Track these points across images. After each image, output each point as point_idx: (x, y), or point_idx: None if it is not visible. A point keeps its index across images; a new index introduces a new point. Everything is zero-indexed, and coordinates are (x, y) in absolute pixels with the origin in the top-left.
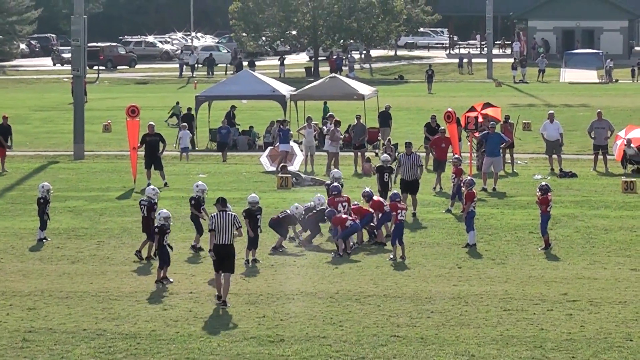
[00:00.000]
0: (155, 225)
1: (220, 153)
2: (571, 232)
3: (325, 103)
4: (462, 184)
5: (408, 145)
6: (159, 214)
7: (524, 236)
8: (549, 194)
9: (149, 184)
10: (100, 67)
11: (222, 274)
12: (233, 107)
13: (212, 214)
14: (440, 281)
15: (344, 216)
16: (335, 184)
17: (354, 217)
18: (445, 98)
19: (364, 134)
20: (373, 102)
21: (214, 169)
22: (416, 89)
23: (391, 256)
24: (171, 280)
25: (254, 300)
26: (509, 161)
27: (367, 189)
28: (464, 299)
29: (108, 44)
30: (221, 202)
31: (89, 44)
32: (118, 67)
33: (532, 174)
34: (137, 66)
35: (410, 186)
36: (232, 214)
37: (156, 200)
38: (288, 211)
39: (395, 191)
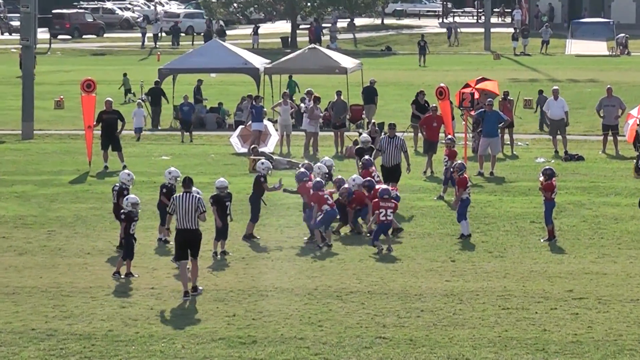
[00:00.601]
0: (122, 211)
1: (185, 132)
2: (578, 222)
3: (290, 77)
4: (451, 170)
5: (391, 127)
6: (127, 199)
7: (525, 226)
8: (554, 179)
9: (105, 167)
10: (66, 37)
11: (190, 261)
12: (200, 81)
13: (174, 196)
14: (432, 276)
15: (325, 197)
16: (319, 178)
17: (333, 204)
18: (438, 72)
19: (345, 112)
20: (357, 76)
21: (178, 150)
22: (405, 62)
23: (381, 246)
24: (135, 274)
25: (222, 297)
26: (508, 142)
27: (368, 178)
28: (458, 296)
29: (75, 10)
30: (187, 183)
31: (54, 11)
32: (84, 36)
33: (534, 157)
34: (92, 35)
35: (391, 173)
36: (196, 196)
37: (130, 186)
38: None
39: (385, 187)
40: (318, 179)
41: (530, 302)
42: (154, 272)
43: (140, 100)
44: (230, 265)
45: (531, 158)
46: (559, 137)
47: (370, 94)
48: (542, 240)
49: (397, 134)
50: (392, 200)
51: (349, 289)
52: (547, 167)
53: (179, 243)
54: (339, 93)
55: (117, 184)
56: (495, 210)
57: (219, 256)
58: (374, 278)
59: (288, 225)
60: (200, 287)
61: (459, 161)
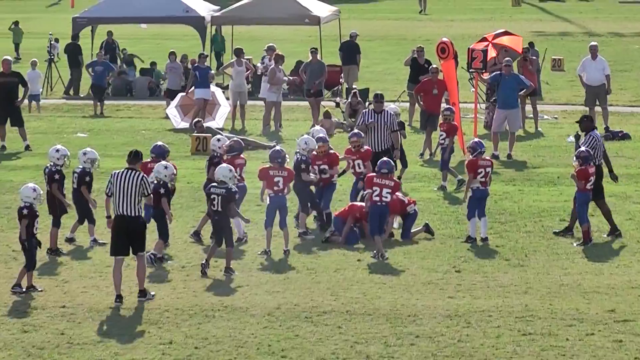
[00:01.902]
0: (23, 205)
1: (97, 102)
2: (622, 220)
3: (217, 30)
4: (468, 151)
5: (378, 98)
6: (31, 188)
7: (552, 225)
8: (591, 163)
9: (2, 147)
10: None
11: (136, 258)
12: (110, 34)
13: (112, 172)
14: (430, 291)
15: (275, 179)
16: (278, 148)
17: (282, 189)
18: (439, 23)
19: (322, 76)
20: (333, 27)
21: (98, 125)
22: (397, 9)
23: (374, 251)
24: (40, 288)
25: (156, 318)
26: (531, 115)
27: (356, 130)
28: (464, 318)
29: None
30: (132, 157)
31: None
32: None
33: (566, 135)
34: None
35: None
36: (139, 174)
37: (61, 166)
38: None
39: (385, 159)
40: (278, 147)
41: (559, 325)
42: (66, 285)
43: (35, 59)
44: (168, 275)
45: (561, 136)
46: (597, 108)
47: (350, 51)
48: (575, 244)
49: (386, 107)
50: (393, 178)
51: (322, 308)
52: (582, 148)
53: (115, 233)
54: (314, 52)
55: (48, 165)
56: (514, 205)
57: (155, 263)
58: (354, 293)
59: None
60: (152, 292)
61: (476, 139)
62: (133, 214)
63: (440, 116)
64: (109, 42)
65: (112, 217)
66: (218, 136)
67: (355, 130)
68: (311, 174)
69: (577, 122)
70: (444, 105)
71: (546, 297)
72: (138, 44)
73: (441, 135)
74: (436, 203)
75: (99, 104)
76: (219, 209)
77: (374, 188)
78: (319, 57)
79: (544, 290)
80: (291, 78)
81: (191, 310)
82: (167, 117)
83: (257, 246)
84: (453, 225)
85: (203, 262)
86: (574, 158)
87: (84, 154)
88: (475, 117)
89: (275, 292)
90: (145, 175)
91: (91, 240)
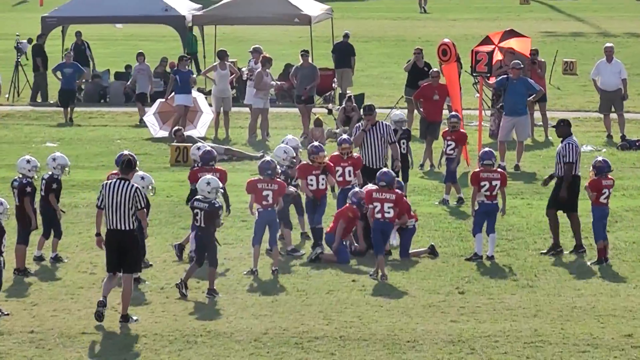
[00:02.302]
0: None
1: (65, 108)
2: (639, 237)
3: (190, 29)
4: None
5: (367, 110)
6: None
7: (564, 243)
8: (607, 175)
9: None
10: None
11: (122, 276)
12: (79, 34)
13: (103, 183)
14: (431, 315)
15: (259, 185)
16: (268, 158)
17: (272, 204)
18: (440, 22)
19: (313, 81)
20: (325, 27)
21: (69, 134)
22: (394, 8)
23: (371, 272)
24: (6, 312)
25: (133, 344)
26: (540, 123)
27: (345, 136)
28: (468, 344)
29: None
30: (125, 166)
31: None
32: None
33: (579, 144)
34: None
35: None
36: (132, 185)
37: (32, 178)
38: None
39: (386, 170)
40: (268, 158)
41: (571, 351)
42: (34, 308)
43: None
44: (147, 298)
45: None
46: (613, 115)
47: (344, 53)
48: (589, 263)
49: (387, 118)
50: (394, 191)
51: (313, 333)
52: (598, 158)
53: (108, 249)
54: (304, 54)
55: (17, 178)
56: (522, 220)
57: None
58: (348, 317)
59: (226, 241)
60: (134, 317)
61: (486, 148)
62: (126, 228)
63: (447, 124)
64: (78, 44)
65: (102, 235)
66: (198, 144)
67: (344, 136)
68: (291, 187)
69: (553, 126)
70: (446, 112)
71: (557, 321)
72: (112, 46)
73: (449, 145)
74: (437, 218)
75: (68, 109)
76: (202, 224)
77: (375, 204)
78: (310, 60)
79: (555, 313)
80: (279, 83)
81: (171, 335)
82: (144, 125)
83: (243, 265)
84: (456, 243)
85: (178, 282)
86: (591, 168)
87: (54, 159)
88: (479, 125)
89: (263, 316)
90: (138, 187)
91: (52, 257)
